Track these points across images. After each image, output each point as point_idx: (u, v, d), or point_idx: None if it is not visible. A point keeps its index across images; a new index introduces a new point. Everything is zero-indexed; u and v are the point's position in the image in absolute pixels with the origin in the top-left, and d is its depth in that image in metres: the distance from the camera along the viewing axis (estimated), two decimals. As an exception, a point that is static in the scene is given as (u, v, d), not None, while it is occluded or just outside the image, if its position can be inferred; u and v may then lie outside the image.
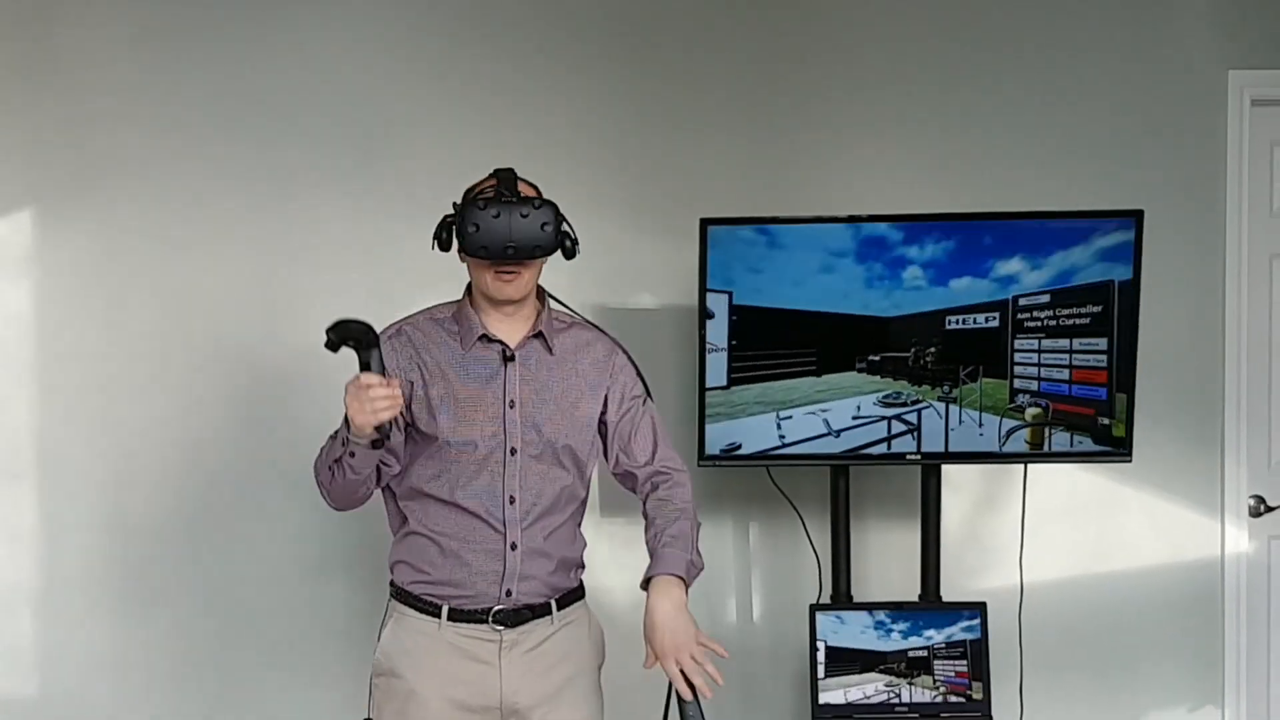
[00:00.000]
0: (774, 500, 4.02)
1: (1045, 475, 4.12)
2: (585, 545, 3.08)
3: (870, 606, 3.81)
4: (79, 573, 4.03)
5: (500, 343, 2.94)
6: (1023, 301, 3.80)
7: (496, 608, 2.91)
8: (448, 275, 4.04)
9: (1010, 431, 3.81)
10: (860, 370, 3.83)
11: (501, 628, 2.91)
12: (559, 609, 2.98)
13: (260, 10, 4.03)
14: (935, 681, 3.75)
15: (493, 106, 4.10)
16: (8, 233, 3.98)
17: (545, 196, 2.90)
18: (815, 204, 3.99)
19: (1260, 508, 4.35)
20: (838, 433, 3.82)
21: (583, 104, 4.13)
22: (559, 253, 2.91)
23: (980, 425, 3.83)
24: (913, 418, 3.84)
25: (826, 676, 3.73)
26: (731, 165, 4.16)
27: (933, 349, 3.82)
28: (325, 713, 4.04)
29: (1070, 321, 3.81)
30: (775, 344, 3.81)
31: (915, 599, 3.92)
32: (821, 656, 3.72)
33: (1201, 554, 4.32)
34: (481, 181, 2.96)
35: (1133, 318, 3.74)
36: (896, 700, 3.72)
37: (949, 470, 4.02)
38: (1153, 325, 3.96)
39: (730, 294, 3.76)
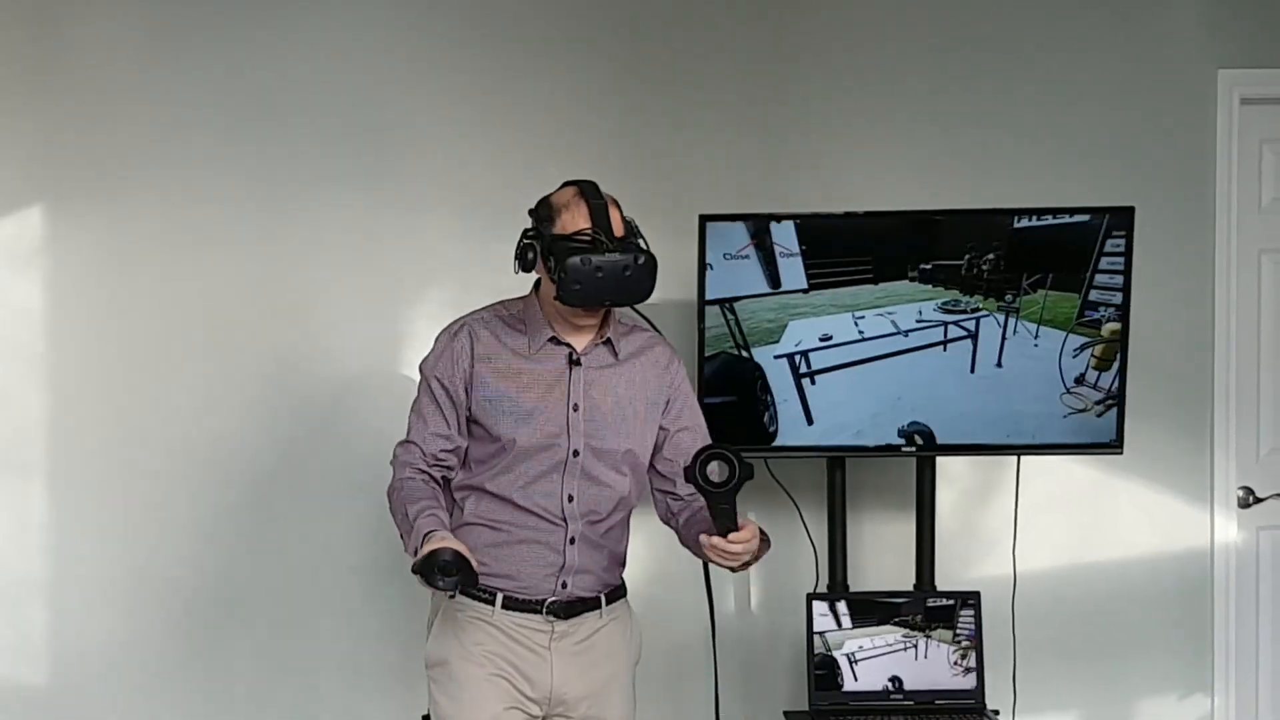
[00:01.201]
0: (772, 492, 4.03)
1: (1038, 467, 4.12)
2: (628, 541, 3.10)
3: (866, 596, 3.83)
4: (88, 564, 4.04)
5: (568, 345, 2.93)
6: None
7: (550, 599, 2.93)
8: (451, 272, 4.12)
9: (1079, 348, 3.75)
10: (913, 279, 3.78)
11: (554, 619, 2.93)
12: (608, 604, 3.01)
13: (266, 12, 4.04)
14: (956, 635, 3.77)
15: (494, 105, 4.11)
16: (18, 228, 4.00)
17: (627, 228, 2.84)
18: (812, 200, 4.00)
19: (1249, 499, 4.36)
20: (906, 332, 3.79)
21: (582, 103, 4.14)
22: None
23: (1036, 339, 3.76)
24: (971, 325, 3.79)
25: (837, 630, 3.76)
26: (729, 162, 4.16)
27: (991, 254, 3.76)
28: (332, 705, 4.09)
29: (1095, 219, 3.72)
30: (837, 251, 3.76)
31: (910, 589, 3.93)
32: (844, 609, 3.75)
33: (1191, 544, 4.34)
34: (567, 201, 2.85)
35: (1124, 312, 3.74)
36: (890, 689, 3.75)
37: (943, 462, 4.04)
38: (1144, 319, 3.97)
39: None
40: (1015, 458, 4.01)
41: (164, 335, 4.03)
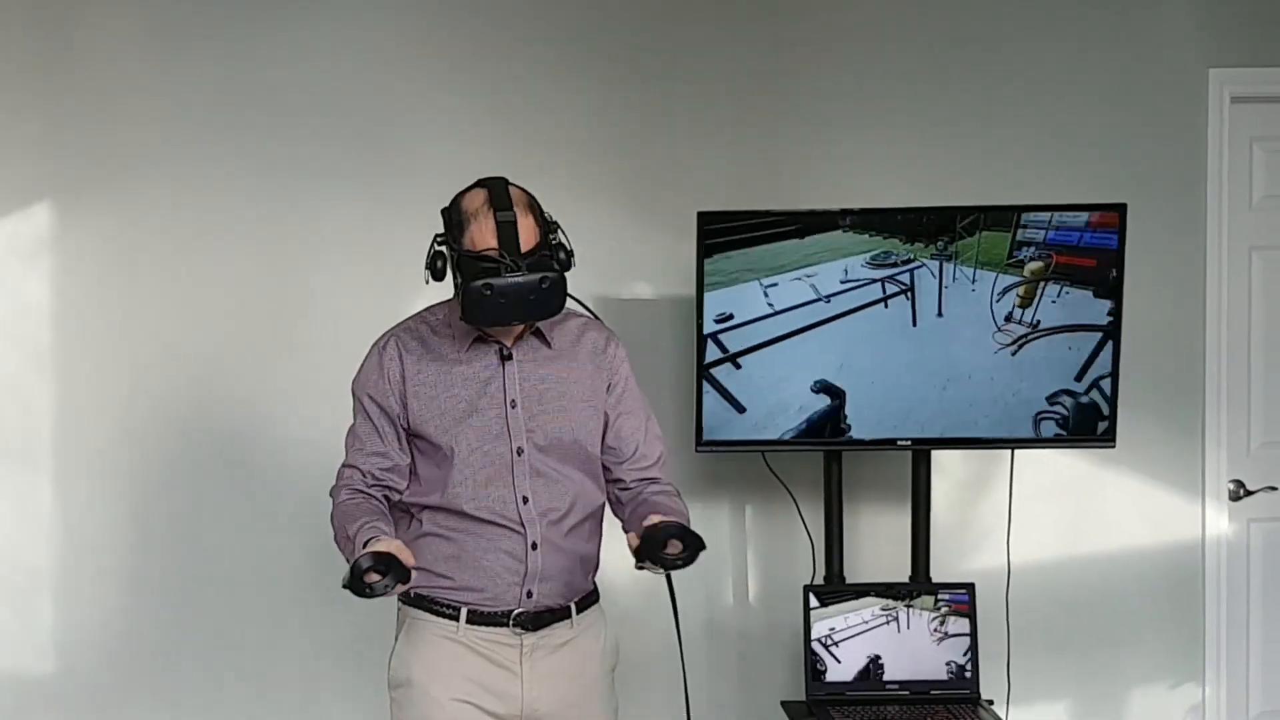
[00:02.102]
0: (769, 484, 4.06)
1: (1031, 460, 4.15)
2: (601, 542, 2.95)
3: (863, 588, 3.84)
4: (94, 555, 4.05)
5: (497, 342, 2.81)
6: None
7: (517, 610, 2.78)
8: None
9: (1006, 289, 3.74)
10: (845, 228, 3.68)
11: (523, 631, 2.79)
12: (578, 612, 2.87)
13: (269, 12, 4.05)
14: (937, 602, 3.77)
15: (496, 103, 4.13)
16: (25, 224, 4.01)
17: (540, 232, 2.69)
18: (808, 197, 4.00)
19: (1240, 492, 4.39)
20: (828, 298, 3.70)
21: (583, 101, 4.15)
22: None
23: (974, 283, 3.73)
24: (905, 279, 3.72)
25: (819, 606, 3.75)
26: (727, 160, 4.18)
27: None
28: (334, 689, 4.10)
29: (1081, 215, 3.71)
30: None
31: (906, 580, 3.95)
32: (815, 601, 3.73)
33: (1183, 536, 4.36)
34: (475, 209, 2.70)
35: (1116, 308, 3.76)
36: (885, 679, 3.75)
37: (938, 455, 4.06)
38: (1136, 314, 3.99)
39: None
40: (1009, 451, 4.02)
41: (169, 329, 4.04)
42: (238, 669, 4.10)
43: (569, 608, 2.85)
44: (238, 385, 4.07)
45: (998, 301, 3.76)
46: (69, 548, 4.05)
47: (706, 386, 3.77)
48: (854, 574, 4.07)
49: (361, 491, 2.81)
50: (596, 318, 3.00)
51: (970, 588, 3.82)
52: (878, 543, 4.21)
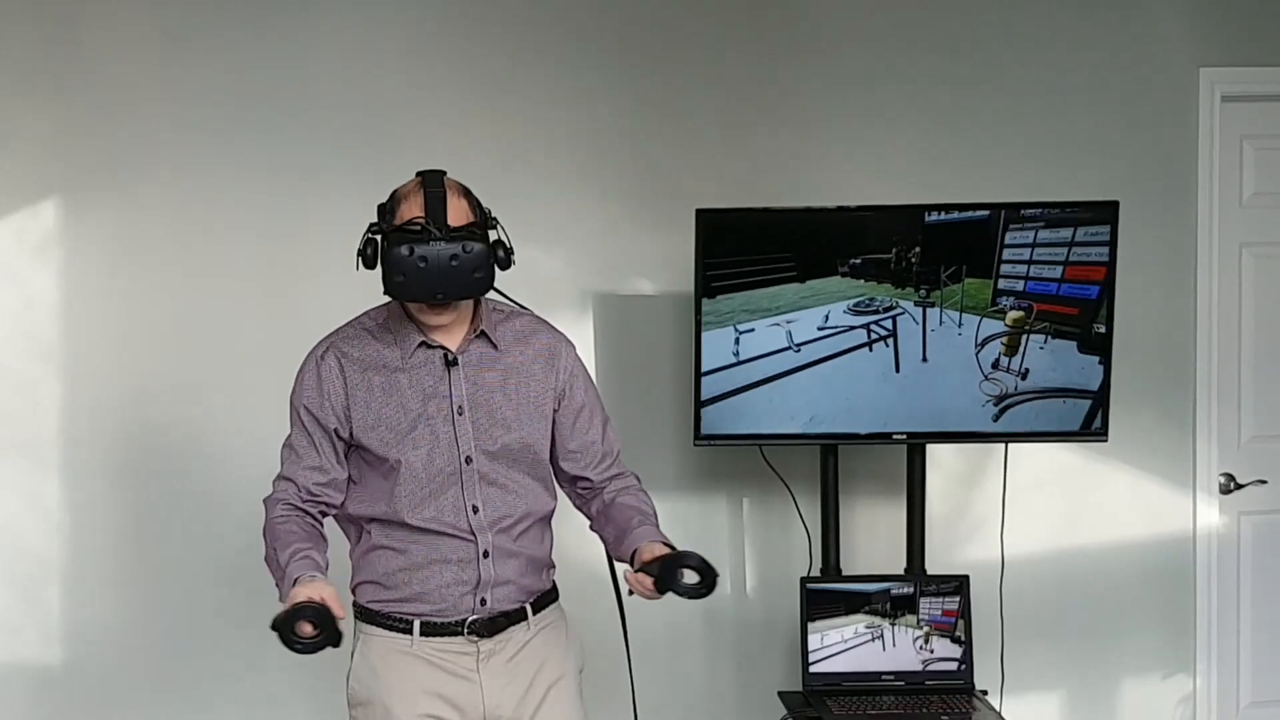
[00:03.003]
0: (766, 477, 4.08)
1: (1025, 454, 4.15)
2: (553, 543, 2.89)
3: (858, 579, 3.87)
4: (102, 548, 4.05)
5: (441, 348, 2.71)
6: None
7: (471, 618, 2.71)
8: None
9: (987, 339, 3.76)
10: (844, 274, 3.70)
11: (477, 638, 2.72)
12: (534, 613, 2.80)
13: (273, 12, 4.06)
14: (920, 621, 3.78)
15: (497, 101, 4.14)
16: (34, 220, 4.01)
17: (480, 209, 2.65)
18: (805, 194, 4.01)
19: (1230, 485, 4.42)
20: (798, 346, 3.71)
21: (584, 99, 4.16)
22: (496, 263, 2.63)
23: (960, 327, 3.74)
24: (888, 324, 3.72)
25: (810, 620, 3.77)
26: (726, 157, 4.19)
27: (916, 249, 3.71)
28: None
29: (1073, 213, 3.71)
30: (751, 249, 3.71)
31: (901, 572, 3.96)
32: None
33: (1174, 529, 4.38)
34: (409, 191, 2.65)
35: (1109, 304, 3.76)
36: (884, 670, 3.77)
37: (932, 448, 4.07)
38: (1128, 311, 4.01)
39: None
40: (1003, 444, 4.04)
41: (175, 324, 4.05)
42: (243, 661, 4.10)
43: (524, 609, 2.78)
44: (244, 379, 4.07)
45: (981, 350, 3.77)
46: (76, 539, 4.06)
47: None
48: (850, 566, 4.09)
49: (296, 508, 2.72)
50: (543, 320, 2.90)
51: (964, 579, 3.84)
52: (873, 535, 4.23)
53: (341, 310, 4.01)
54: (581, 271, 4.15)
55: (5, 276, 4.02)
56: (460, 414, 2.71)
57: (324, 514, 2.78)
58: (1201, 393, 4.38)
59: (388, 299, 2.73)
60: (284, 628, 2.41)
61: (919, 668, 3.79)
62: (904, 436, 3.85)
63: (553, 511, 2.87)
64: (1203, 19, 4.32)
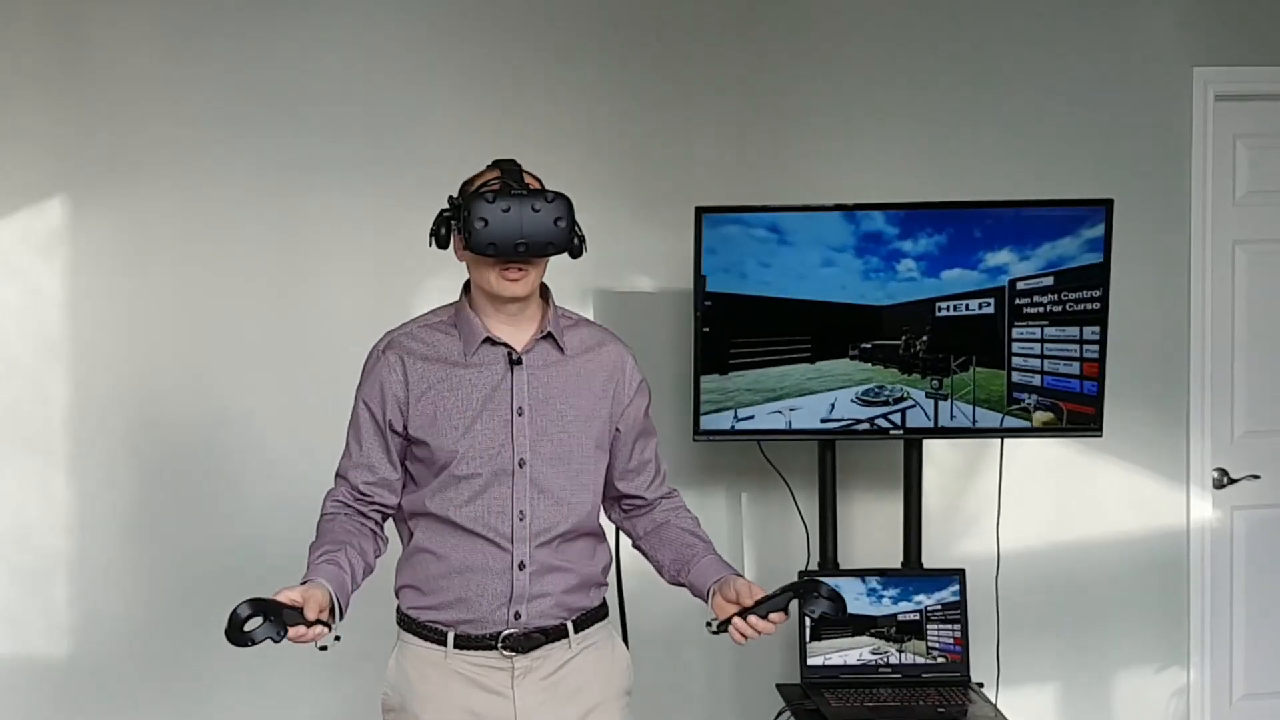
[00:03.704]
0: (765, 472, 4.10)
1: (1020, 449, 4.18)
2: (609, 561, 2.78)
3: (855, 573, 3.88)
4: (108, 541, 4.07)
5: (506, 346, 2.64)
6: (1020, 286, 3.73)
7: (505, 632, 2.61)
8: (456, 264, 4.16)
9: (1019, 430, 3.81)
10: (853, 357, 3.76)
11: (512, 654, 2.62)
12: (577, 631, 2.67)
13: (278, 12, 4.07)
14: (928, 648, 3.79)
15: (498, 99, 4.15)
16: (41, 217, 4.01)
17: (552, 189, 2.60)
18: (805, 193, 4.04)
19: (1223, 480, 4.44)
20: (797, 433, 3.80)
21: (584, 97, 4.17)
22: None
23: (974, 421, 3.79)
24: (896, 417, 3.76)
25: (814, 640, 3.79)
26: (726, 156, 4.20)
27: (924, 337, 3.76)
28: (346, 679, 4.11)
29: (1079, 307, 3.74)
30: (770, 330, 3.77)
31: (898, 566, 3.98)
32: (809, 621, 3.71)
33: (1168, 523, 4.41)
34: (481, 174, 2.65)
35: (1103, 300, 3.78)
36: (879, 663, 3.79)
37: (929, 444, 4.10)
38: (1123, 307, 4.04)
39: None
40: (999, 440, 4.06)
41: (181, 320, 4.06)
42: (248, 655, 3.98)
43: (564, 626, 2.66)
44: (248, 375, 4.09)
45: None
46: (82, 533, 4.07)
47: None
48: (847, 560, 4.10)
49: (347, 506, 2.69)
50: (610, 331, 2.83)
51: (961, 573, 3.86)
52: (870, 529, 4.23)
53: (346, 306, 4.11)
54: (581, 268, 4.07)
55: (13, 273, 4.03)
56: (519, 415, 2.63)
57: (382, 515, 2.72)
58: (1195, 388, 4.40)
59: (447, 302, 2.72)
60: (231, 633, 2.32)
61: (915, 661, 3.81)
62: (901, 432, 3.87)
63: (601, 524, 2.77)
64: (1196, 19, 4.34)
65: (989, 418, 3.81)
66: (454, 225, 2.60)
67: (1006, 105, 4.30)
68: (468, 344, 2.65)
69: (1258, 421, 4.50)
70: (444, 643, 2.64)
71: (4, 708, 4.06)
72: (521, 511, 2.61)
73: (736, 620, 2.53)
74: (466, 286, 2.70)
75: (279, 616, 2.33)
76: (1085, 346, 3.78)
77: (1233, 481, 4.46)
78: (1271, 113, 4.44)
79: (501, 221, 2.50)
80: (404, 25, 4.14)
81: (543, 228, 2.52)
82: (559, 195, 2.54)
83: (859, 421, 3.79)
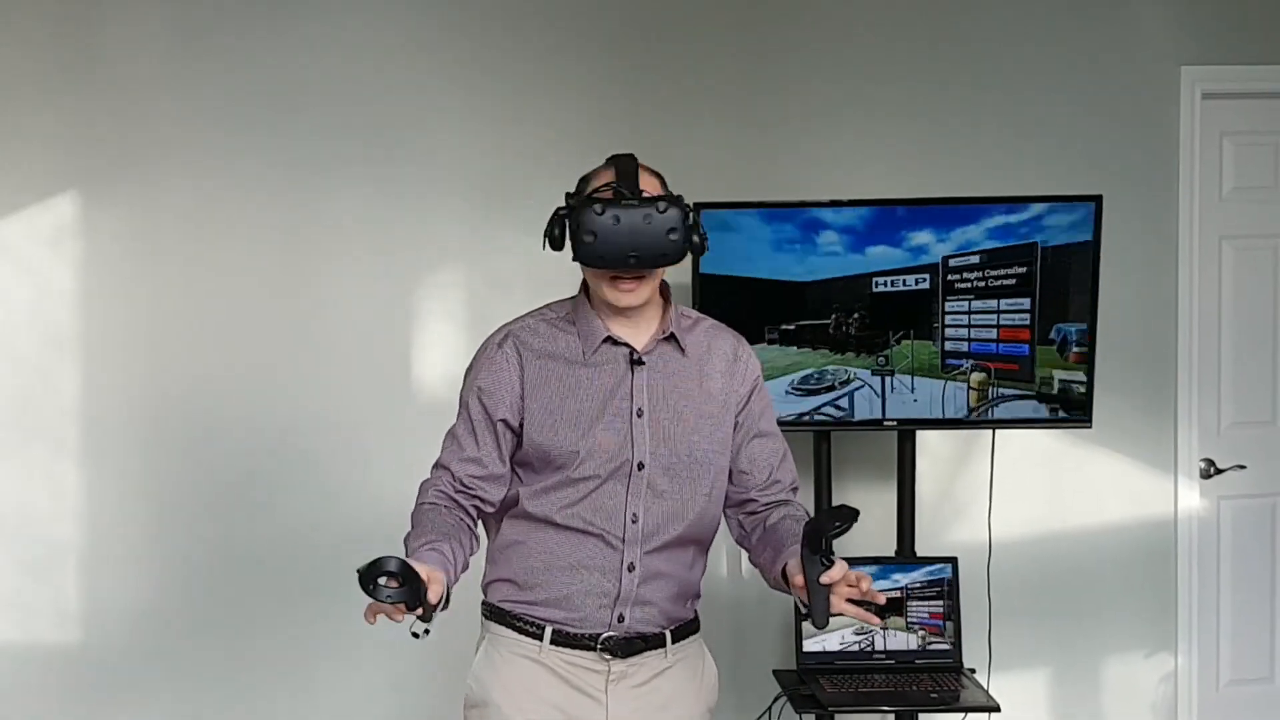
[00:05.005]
0: None
1: (1012, 439, 4.21)
2: (705, 571, 2.68)
3: (849, 561, 3.87)
4: (119, 532, 4.10)
5: (627, 346, 2.53)
6: (953, 263, 3.73)
7: (606, 634, 2.52)
8: (458, 255, 4.16)
9: (958, 394, 3.82)
10: (771, 342, 3.51)
11: (610, 657, 2.53)
12: (674, 641, 2.59)
13: (285, 10, 4.10)
14: (908, 624, 3.83)
15: (499, 98, 4.18)
16: (51, 213, 4.04)
17: (670, 191, 2.49)
18: (800, 189, 4.05)
19: (1211, 470, 4.47)
20: None
21: (583, 94, 4.20)
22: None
23: (913, 391, 3.78)
24: (845, 403, 3.61)
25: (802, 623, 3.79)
26: (725, 153, 4.22)
27: (856, 315, 3.63)
28: (352, 671, 4.16)
29: (999, 283, 3.76)
30: None
31: (892, 554, 4.02)
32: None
33: (1157, 513, 4.44)
34: (597, 171, 2.52)
35: (1093, 295, 3.80)
36: (872, 649, 3.82)
37: (922, 435, 4.13)
38: (1111, 301, 4.05)
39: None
40: (990, 431, 4.09)
41: (189, 314, 4.09)
42: (258, 645, 4.14)
43: (663, 635, 2.58)
44: (257, 368, 4.11)
45: (945, 408, 3.81)
46: (93, 524, 4.09)
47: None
48: (842, 549, 3.90)
49: (448, 496, 2.56)
50: (726, 326, 2.70)
51: (953, 561, 3.89)
52: (865, 518, 3.98)
53: (354, 299, 4.11)
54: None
55: (23, 268, 4.06)
56: (639, 416, 2.51)
57: (478, 510, 2.59)
58: (1183, 380, 4.43)
59: (564, 298, 2.64)
60: (366, 576, 2.17)
61: (909, 647, 3.85)
62: (894, 423, 3.90)
63: (714, 526, 2.64)
64: (1184, 18, 4.37)
65: (928, 385, 3.80)
66: (565, 227, 2.47)
67: (996, 104, 4.32)
68: (587, 343, 2.53)
69: (1244, 412, 4.53)
70: (540, 637, 2.54)
71: (15, 696, 4.09)
72: (635, 514, 2.52)
73: (835, 602, 2.41)
74: (585, 286, 2.58)
75: (415, 593, 2.19)
76: (1002, 315, 3.78)
77: (1219, 471, 4.49)
78: (1257, 110, 4.46)
79: (611, 234, 2.39)
80: (409, 26, 4.17)
81: (656, 240, 2.39)
82: (673, 203, 2.41)
83: (802, 415, 3.62)
